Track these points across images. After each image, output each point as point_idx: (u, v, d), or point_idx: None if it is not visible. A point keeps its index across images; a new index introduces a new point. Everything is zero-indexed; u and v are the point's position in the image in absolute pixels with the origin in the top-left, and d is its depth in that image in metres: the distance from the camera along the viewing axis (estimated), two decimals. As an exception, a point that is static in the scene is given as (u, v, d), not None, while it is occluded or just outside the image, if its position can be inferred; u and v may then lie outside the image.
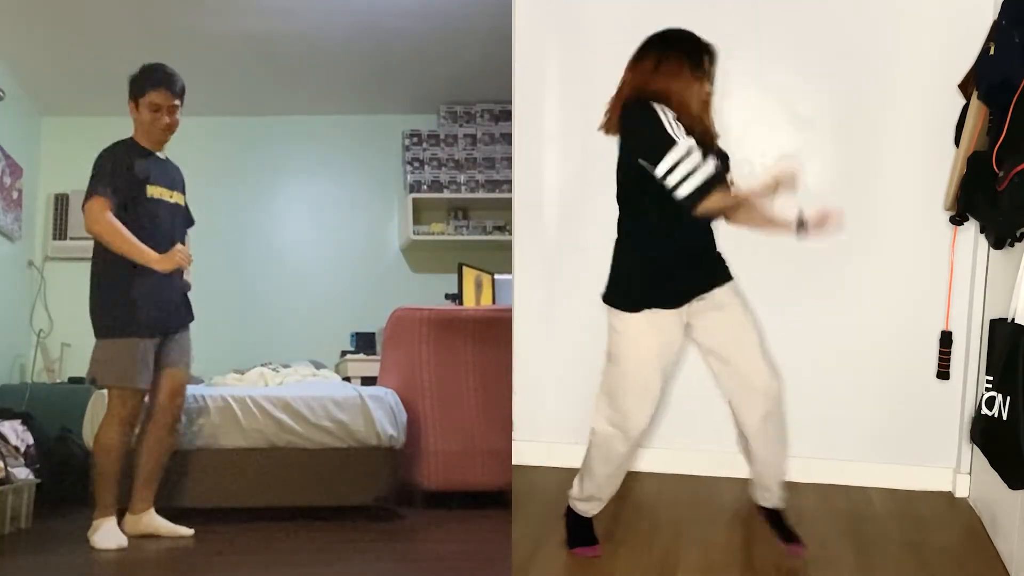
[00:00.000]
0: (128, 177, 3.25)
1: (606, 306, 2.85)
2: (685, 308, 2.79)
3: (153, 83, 3.33)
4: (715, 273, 2.83)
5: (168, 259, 3.23)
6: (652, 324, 2.76)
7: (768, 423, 2.85)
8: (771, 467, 2.97)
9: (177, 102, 3.35)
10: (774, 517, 3.06)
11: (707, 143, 2.66)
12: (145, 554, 3.11)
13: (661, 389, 2.83)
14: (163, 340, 3.32)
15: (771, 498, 3.03)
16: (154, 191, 3.30)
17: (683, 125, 2.57)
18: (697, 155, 2.53)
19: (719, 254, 2.87)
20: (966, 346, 3.55)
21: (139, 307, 3.23)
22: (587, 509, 3.01)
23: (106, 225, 3.19)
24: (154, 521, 3.33)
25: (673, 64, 2.67)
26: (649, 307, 2.75)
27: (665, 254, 2.76)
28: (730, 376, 2.84)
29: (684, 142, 2.52)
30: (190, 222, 3.49)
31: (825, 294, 3.67)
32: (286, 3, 4.42)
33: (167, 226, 3.32)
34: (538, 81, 3.85)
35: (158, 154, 3.37)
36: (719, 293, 2.81)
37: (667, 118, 2.55)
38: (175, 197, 3.38)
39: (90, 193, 3.22)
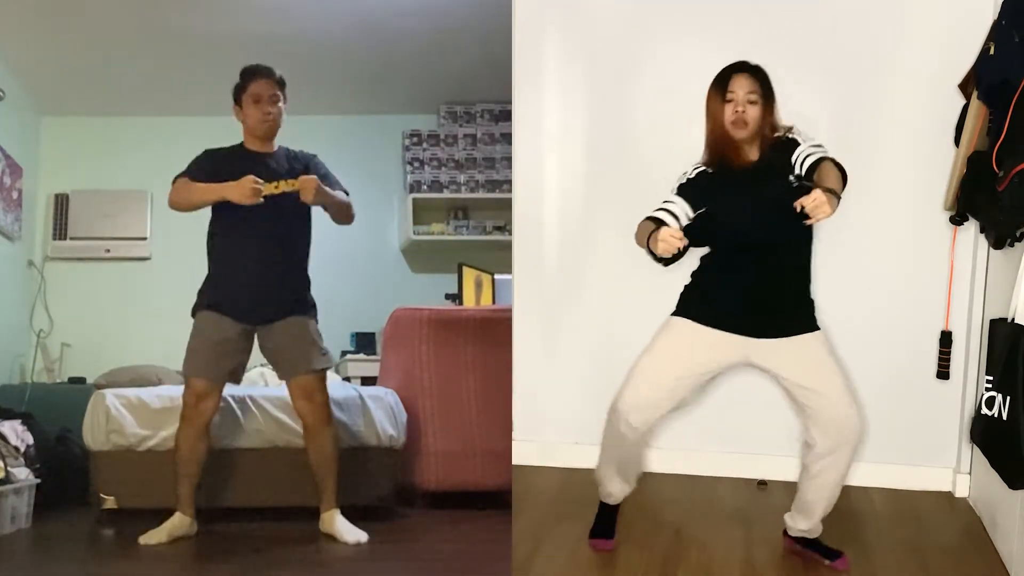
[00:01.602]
0: (215, 176, 3.21)
1: None
2: (739, 340, 2.81)
3: (250, 74, 3.32)
4: (782, 322, 2.80)
5: (240, 186, 3.09)
6: (687, 332, 2.83)
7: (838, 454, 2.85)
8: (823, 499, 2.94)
9: (278, 92, 3.32)
10: (809, 543, 3.01)
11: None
12: (148, 552, 3.11)
13: (665, 397, 2.84)
14: (266, 333, 3.29)
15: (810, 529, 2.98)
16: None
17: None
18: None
19: (800, 306, 2.84)
20: (966, 346, 3.55)
21: (213, 283, 3.27)
22: (604, 495, 3.09)
23: (176, 189, 3.21)
24: (334, 523, 3.26)
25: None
26: (689, 316, 2.84)
27: (720, 279, 2.84)
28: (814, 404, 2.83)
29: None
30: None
31: (825, 294, 3.66)
32: (286, 3, 4.42)
33: (264, 221, 3.20)
34: (538, 81, 3.85)
35: (264, 151, 3.34)
36: (794, 341, 2.80)
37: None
38: (281, 186, 3.19)
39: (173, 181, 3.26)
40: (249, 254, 3.25)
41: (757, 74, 2.78)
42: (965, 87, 3.26)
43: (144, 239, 5.45)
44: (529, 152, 3.89)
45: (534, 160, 3.89)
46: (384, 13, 4.53)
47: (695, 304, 2.85)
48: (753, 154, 2.78)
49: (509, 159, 4.12)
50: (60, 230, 5.45)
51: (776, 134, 2.79)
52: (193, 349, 3.26)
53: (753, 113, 2.74)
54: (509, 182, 3.98)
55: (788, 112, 3.63)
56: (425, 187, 5.57)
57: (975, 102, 3.07)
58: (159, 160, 5.54)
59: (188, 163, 3.32)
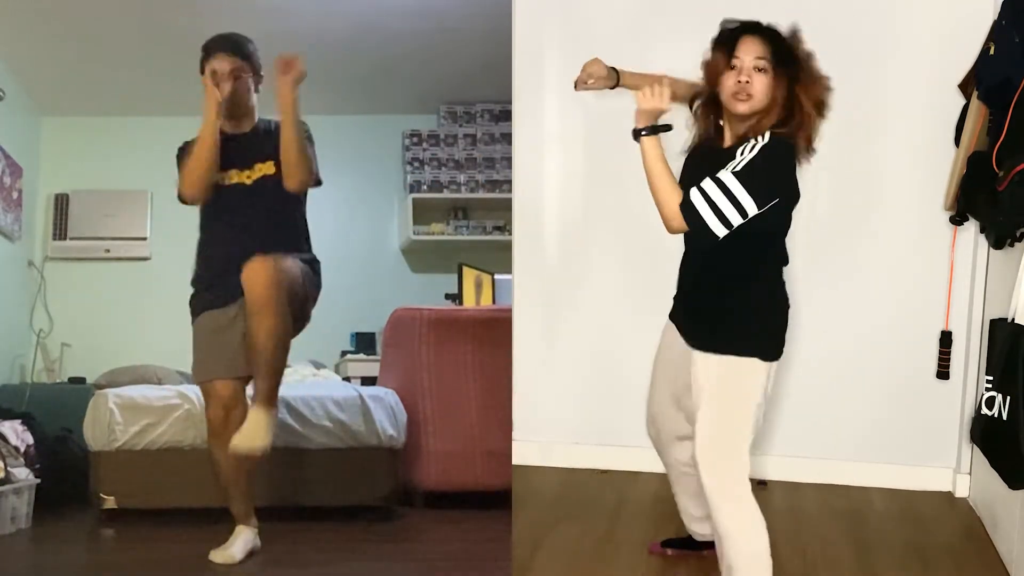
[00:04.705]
0: None
1: None
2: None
3: (206, 49, 3.04)
4: (701, 334, 2.50)
5: (206, 103, 2.87)
6: (664, 333, 2.73)
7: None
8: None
9: (238, 64, 3.02)
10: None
11: None
12: (149, 553, 3.11)
13: (661, 402, 2.75)
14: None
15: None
16: (228, 177, 3.03)
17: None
18: None
19: (724, 321, 2.50)
20: (966, 346, 3.55)
21: (199, 283, 3.05)
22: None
23: (180, 179, 3.00)
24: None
25: None
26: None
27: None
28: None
29: None
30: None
31: (825, 294, 3.67)
32: (286, 3, 4.42)
33: (244, 211, 3.00)
34: (538, 81, 3.85)
35: (238, 132, 3.06)
36: (698, 357, 2.47)
37: None
38: (258, 171, 3.02)
39: None
40: (231, 251, 2.97)
41: (768, 36, 2.36)
42: (965, 87, 3.26)
43: (144, 239, 5.45)
44: (529, 152, 3.89)
45: (534, 160, 3.89)
46: (384, 13, 4.53)
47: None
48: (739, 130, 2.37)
49: (509, 159, 4.12)
50: (60, 230, 5.45)
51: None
52: (198, 350, 3.02)
53: (760, 84, 2.33)
54: (509, 182, 3.98)
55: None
56: (425, 187, 5.57)
57: (975, 102, 3.07)
58: (159, 160, 5.52)
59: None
